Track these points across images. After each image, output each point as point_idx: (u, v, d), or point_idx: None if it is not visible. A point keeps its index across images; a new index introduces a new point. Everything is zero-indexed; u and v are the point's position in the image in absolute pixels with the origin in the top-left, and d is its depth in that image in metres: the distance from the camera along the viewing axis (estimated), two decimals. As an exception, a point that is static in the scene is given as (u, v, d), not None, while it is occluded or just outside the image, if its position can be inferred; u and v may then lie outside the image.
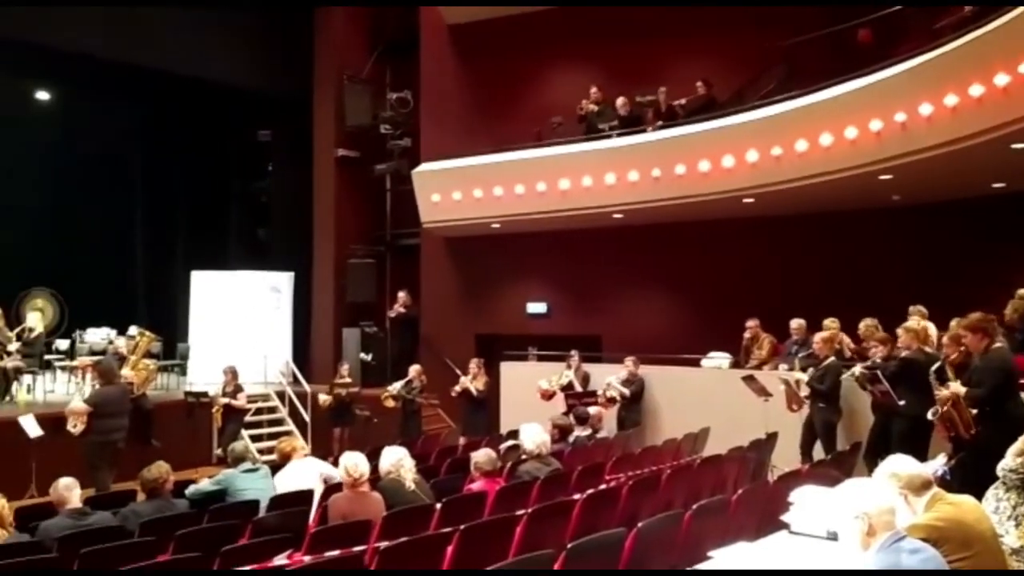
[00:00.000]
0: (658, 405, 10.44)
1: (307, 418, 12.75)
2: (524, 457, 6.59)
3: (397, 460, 5.82)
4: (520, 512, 4.95)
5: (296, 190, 15.80)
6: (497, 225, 12.90)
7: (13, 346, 11.31)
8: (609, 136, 11.81)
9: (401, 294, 14.29)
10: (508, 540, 4.65)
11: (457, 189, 12.79)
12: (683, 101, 11.65)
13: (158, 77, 14.61)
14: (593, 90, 12.53)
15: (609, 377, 10.40)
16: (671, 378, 10.44)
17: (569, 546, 3.78)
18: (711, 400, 9.65)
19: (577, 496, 5.40)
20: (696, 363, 10.51)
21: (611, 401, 10.23)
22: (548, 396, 10.58)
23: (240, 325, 14.26)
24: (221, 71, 14.64)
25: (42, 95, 16.44)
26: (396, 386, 11.52)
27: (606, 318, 12.72)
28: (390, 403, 11.53)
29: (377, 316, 14.87)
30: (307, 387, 13.13)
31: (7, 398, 11.14)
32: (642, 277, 12.59)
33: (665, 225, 11.99)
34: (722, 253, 11.83)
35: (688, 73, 11.94)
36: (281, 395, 13.19)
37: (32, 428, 9.40)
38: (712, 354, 10.49)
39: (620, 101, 12.04)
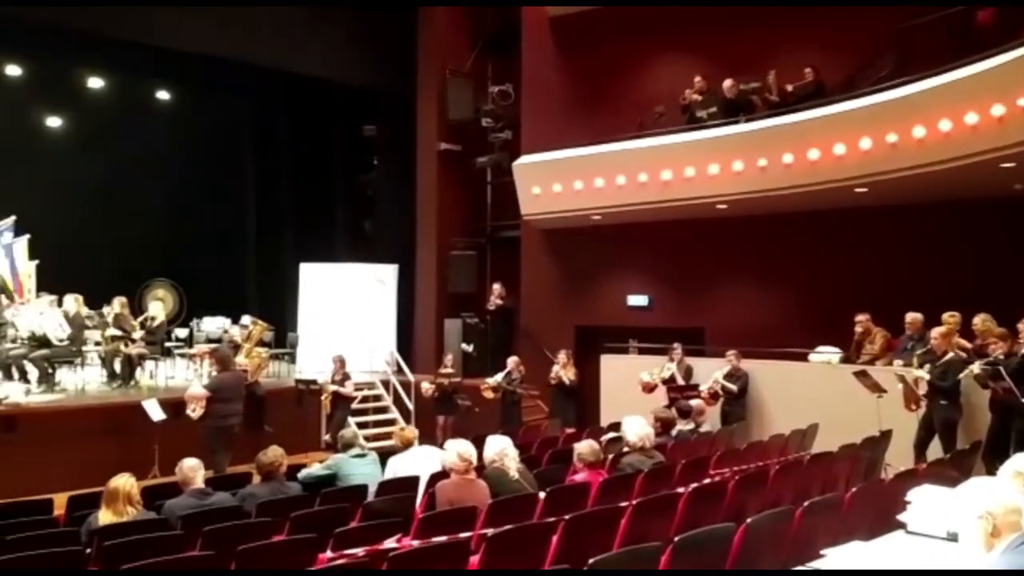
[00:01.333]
0: (763, 400, 10.23)
1: (411, 407, 13.03)
2: (627, 449, 6.57)
3: (501, 449, 5.90)
4: (624, 504, 4.95)
5: (400, 184, 16.14)
6: (598, 217, 12.84)
7: (137, 334, 11.91)
8: (714, 125, 11.58)
9: (496, 286, 14.42)
10: (612, 531, 4.65)
11: (557, 181, 12.79)
12: (790, 88, 11.32)
13: (269, 76, 15.24)
14: (697, 79, 12.30)
15: (716, 372, 10.26)
16: (777, 373, 10.20)
17: (677, 539, 3.75)
18: (820, 396, 9.38)
19: (681, 490, 5.35)
20: (803, 357, 10.23)
21: (714, 396, 10.09)
22: (650, 389, 10.51)
23: (347, 315, 14.67)
24: (329, 69, 15.11)
25: (162, 95, 17.30)
26: (497, 378, 11.67)
27: (709, 311, 12.50)
28: (490, 394, 11.70)
29: (478, 307, 15.04)
30: (411, 376, 13.42)
31: (132, 383, 11.77)
32: (747, 269, 12.30)
33: (771, 216, 11.66)
34: (831, 244, 11.44)
35: (795, 60, 11.57)
36: (386, 384, 13.52)
37: (155, 412, 9.88)
38: (820, 348, 10.19)
39: (727, 84, 11.75)
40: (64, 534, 5.38)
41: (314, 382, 11.72)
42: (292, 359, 14.70)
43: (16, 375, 11.20)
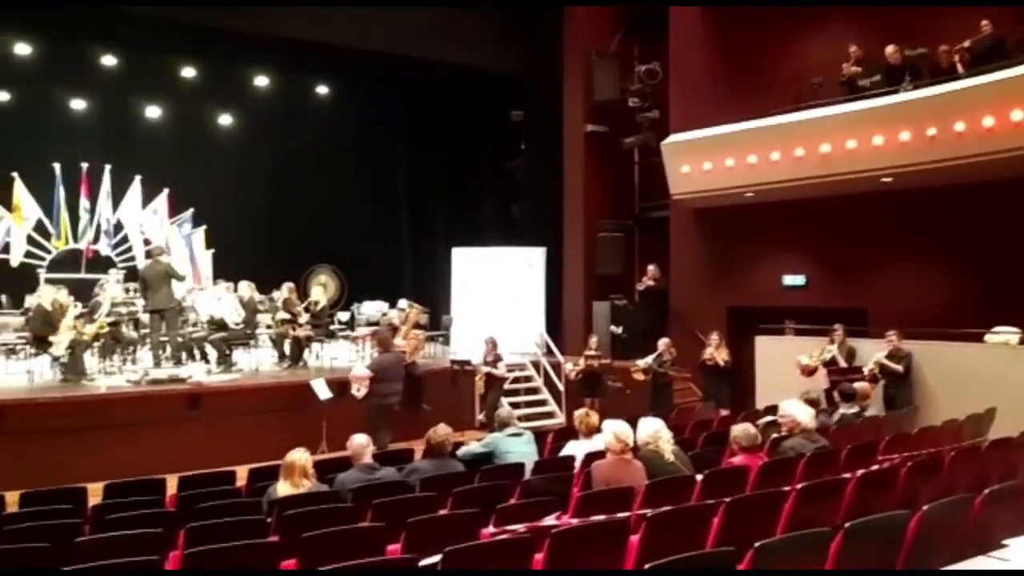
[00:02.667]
0: (932, 384, 9.68)
1: (561, 387, 13.16)
2: (787, 432, 6.39)
3: (655, 431, 5.88)
4: (786, 488, 4.83)
5: (547, 167, 16.24)
6: (751, 194, 12.47)
7: (303, 318, 12.60)
8: (877, 94, 10.96)
9: (650, 267, 14.30)
10: (775, 516, 4.56)
11: (708, 159, 12.51)
12: (967, 44, 10.48)
13: (419, 66, 15.69)
14: (853, 48, 11.71)
15: (878, 354, 9.82)
16: (948, 355, 9.63)
17: (847, 525, 3.64)
18: (997, 379, 8.79)
19: (847, 475, 5.17)
20: (978, 338, 9.60)
21: (872, 379, 9.64)
22: (809, 372, 10.17)
23: (497, 298, 14.95)
24: (476, 57, 15.41)
25: (321, 90, 18.17)
26: (647, 360, 11.60)
27: (872, 290, 11.90)
28: (639, 376, 11.64)
29: (626, 289, 14.97)
30: (560, 358, 13.54)
31: (300, 363, 12.47)
32: (914, 246, 11.60)
33: (941, 188, 10.94)
34: (1007, 218, 10.60)
35: (964, 24, 10.75)
36: (536, 365, 13.69)
37: (322, 391, 10.45)
38: (998, 329, 9.52)
39: (890, 49, 11.09)
40: (247, 504, 5.79)
41: (468, 363, 12.02)
42: (446, 341, 15.13)
43: (198, 356, 12.13)
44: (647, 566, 3.22)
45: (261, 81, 17.29)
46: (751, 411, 9.24)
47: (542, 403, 13.30)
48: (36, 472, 8.45)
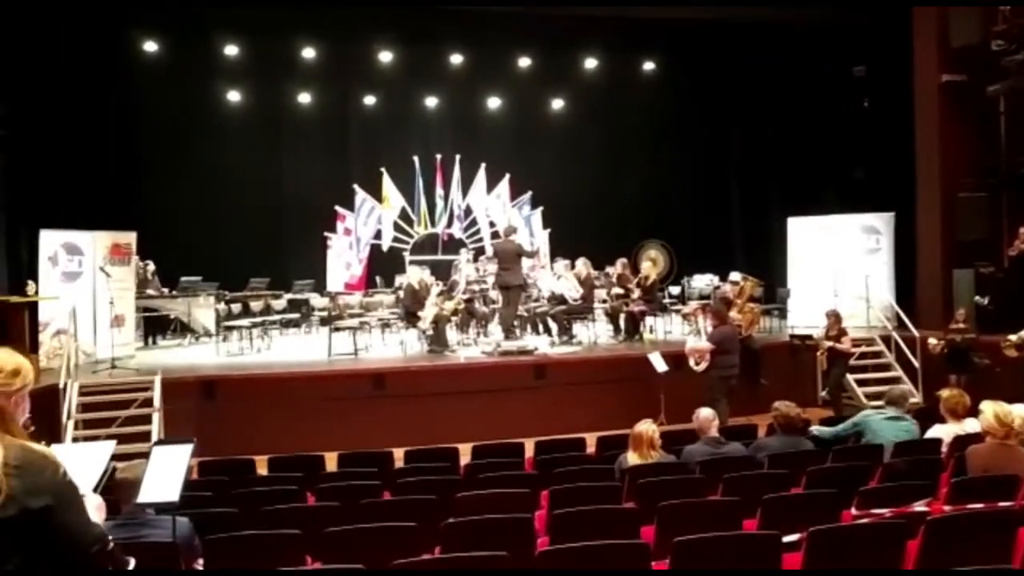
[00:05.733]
0: None
1: (916, 364, 12.10)
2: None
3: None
4: None
5: (894, 125, 14.91)
6: None
7: (635, 293, 12.86)
8: None
9: (1023, 229, 12.60)
10: None
11: (1099, 101, 10.72)
12: None
13: (748, 30, 15.17)
14: None
15: None
16: None
17: None
18: None
19: None
20: None
21: None
22: None
23: (839, 268, 14.08)
24: (811, 13, 14.54)
25: (648, 65, 18.32)
26: (1021, 334, 10.26)
27: None
28: (1012, 352, 10.30)
29: (993, 255, 13.32)
30: (914, 331, 12.44)
31: (636, 337, 12.76)
32: None
33: None
34: None
35: None
36: (886, 339, 12.71)
37: (659, 364, 10.59)
38: None
39: None
40: (599, 470, 6.07)
41: (809, 337, 11.51)
42: (782, 314, 14.58)
43: (541, 329, 12.91)
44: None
45: (590, 63, 17.85)
46: None
47: (895, 381, 12.25)
48: (411, 431, 9.55)
